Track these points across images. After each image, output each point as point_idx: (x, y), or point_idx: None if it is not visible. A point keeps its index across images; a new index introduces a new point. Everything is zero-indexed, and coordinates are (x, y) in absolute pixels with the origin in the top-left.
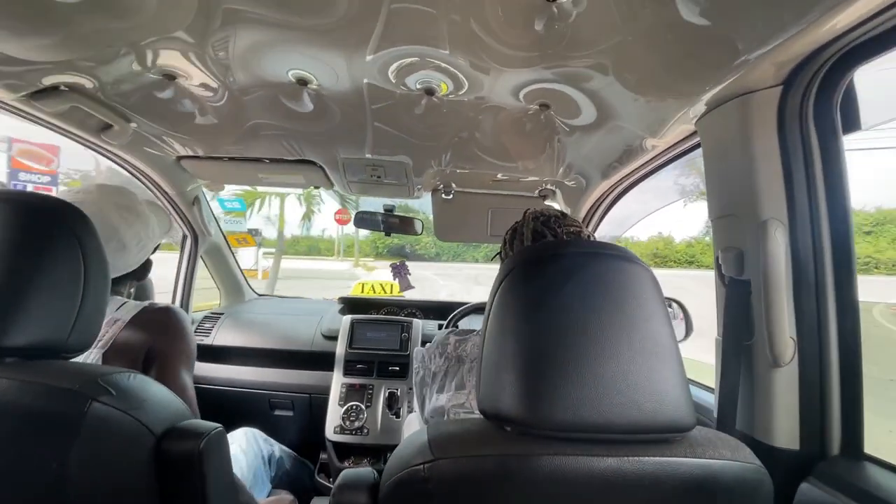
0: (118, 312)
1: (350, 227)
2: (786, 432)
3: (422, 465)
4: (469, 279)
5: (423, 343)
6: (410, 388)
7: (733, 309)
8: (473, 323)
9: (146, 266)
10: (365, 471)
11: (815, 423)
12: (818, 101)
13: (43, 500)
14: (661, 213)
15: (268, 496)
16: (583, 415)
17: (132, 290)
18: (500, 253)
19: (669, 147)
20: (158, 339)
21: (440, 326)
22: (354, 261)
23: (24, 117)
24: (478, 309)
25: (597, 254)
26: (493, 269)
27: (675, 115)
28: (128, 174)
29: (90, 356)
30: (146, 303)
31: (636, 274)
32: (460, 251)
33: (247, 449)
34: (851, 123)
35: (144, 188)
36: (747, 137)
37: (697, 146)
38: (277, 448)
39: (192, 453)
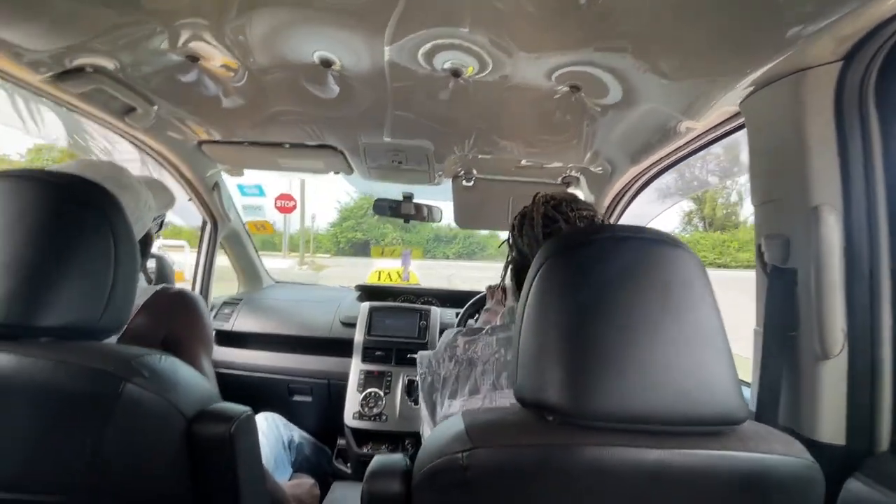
0: None
1: (295, 217)
2: (831, 427)
3: (460, 454)
4: (441, 280)
5: (441, 330)
6: None
7: (776, 299)
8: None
9: (146, 241)
10: (396, 457)
11: (864, 418)
12: (881, 78)
13: (80, 478)
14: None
15: (289, 480)
16: (628, 404)
17: (150, 273)
18: (507, 240)
19: (707, 130)
20: (174, 326)
21: (457, 315)
22: (300, 258)
23: (50, 98)
24: None
25: (639, 238)
26: (468, 268)
27: (718, 96)
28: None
29: None
30: (158, 286)
31: (681, 259)
32: (430, 247)
33: (268, 433)
34: None
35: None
36: (800, 117)
37: (737, 129)
38: (297, 433)
39: (223, 436)
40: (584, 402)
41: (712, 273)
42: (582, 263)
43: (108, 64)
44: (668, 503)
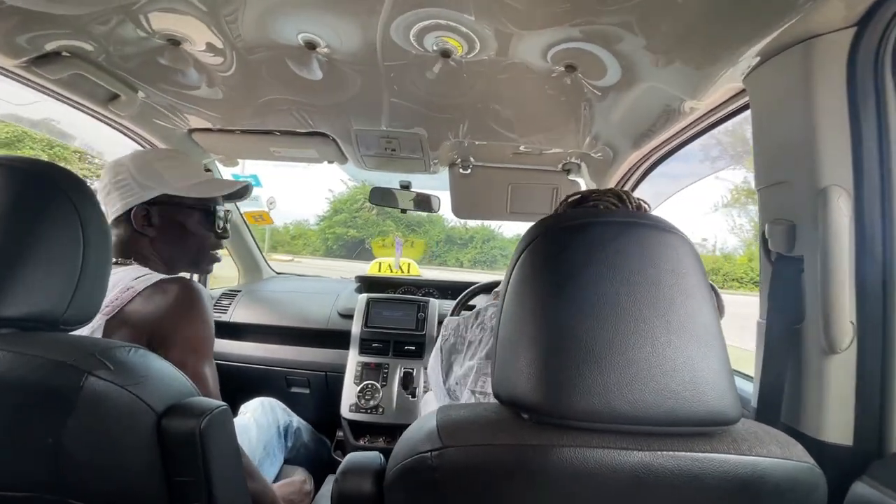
0: (136, 281)
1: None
2: (838, 426)
3: (429, 453)
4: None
5: (440, 322)
6: (426, 368)
7: (781, 289)
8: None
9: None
10: (371, 455)
11: (874, 417)
12: None
13: (44, 473)
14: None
15: (279, 471)
16: (610, 403)
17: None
18: None
19: (711, 110)
20: (171, 316)
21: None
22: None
23: (28, 85)
24: (488, 289)
25: (628, 223)
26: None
27: (721, 72)
28: None
29: (94, 322)
30: (165, 276)
31: (674, 245)
32: (440, 251)
33: (260, 418)
34: None
35: None
36: (808, 91)
37: (744, 108)
38: (296, 420)
39: (192, 432)
40: (560, 401)
41: None
42: (564, 248)
43: (86, 48)
44: None
